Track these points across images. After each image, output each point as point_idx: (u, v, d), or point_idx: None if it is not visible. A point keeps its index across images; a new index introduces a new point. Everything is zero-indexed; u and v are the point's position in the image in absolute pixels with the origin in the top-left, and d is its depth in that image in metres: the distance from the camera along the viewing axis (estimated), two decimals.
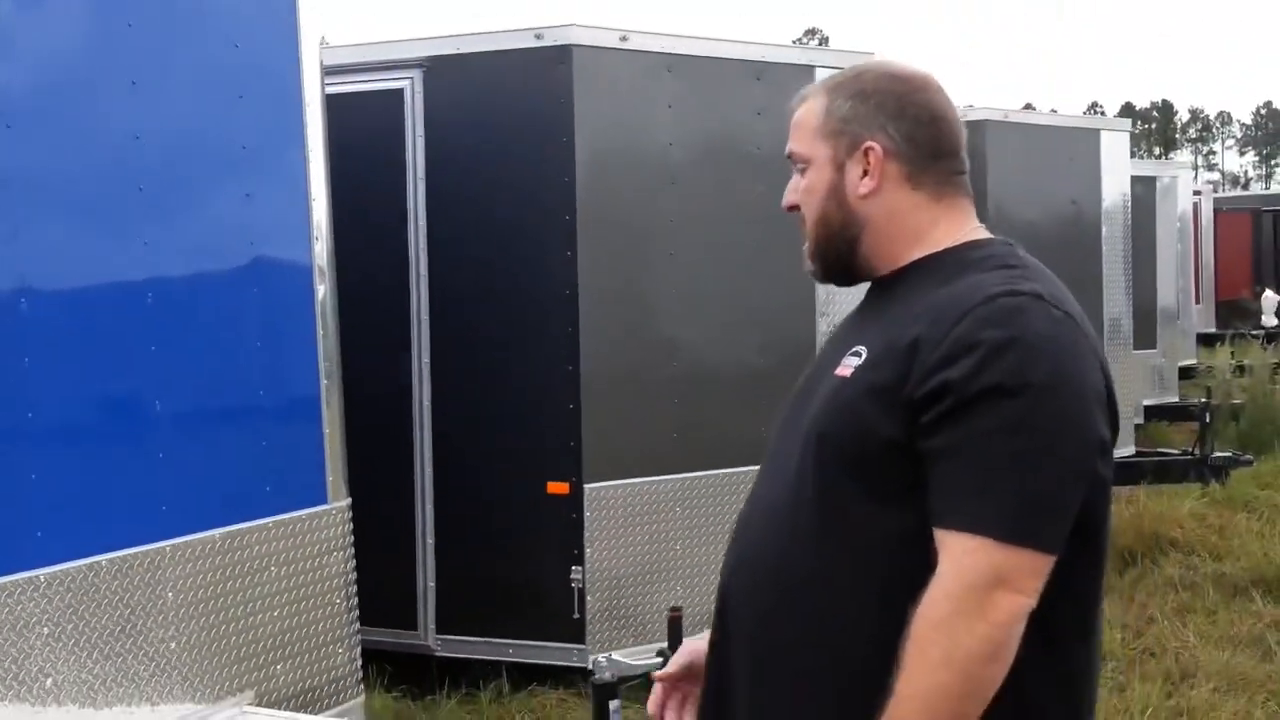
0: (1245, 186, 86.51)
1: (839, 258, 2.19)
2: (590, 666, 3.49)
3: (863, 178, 2.12)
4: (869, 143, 2.11)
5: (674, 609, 3.74)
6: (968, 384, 1.87)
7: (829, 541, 2.00)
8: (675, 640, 3.62)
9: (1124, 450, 10.48)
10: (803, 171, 2.20)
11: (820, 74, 6.42)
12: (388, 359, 6.26)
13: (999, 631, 1.84)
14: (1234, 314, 23.74)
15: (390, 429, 6.25)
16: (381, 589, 5.73)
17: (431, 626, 6.28)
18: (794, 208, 2.24)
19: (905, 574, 1.91)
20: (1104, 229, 10.13)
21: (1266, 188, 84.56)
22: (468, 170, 6.17)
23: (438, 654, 6.26)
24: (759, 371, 6.49)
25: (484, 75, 6.14)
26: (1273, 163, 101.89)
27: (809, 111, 2.19)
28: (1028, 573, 1.85)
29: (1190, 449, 10.38)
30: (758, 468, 6.46)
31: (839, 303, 6.65)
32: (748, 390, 6.45)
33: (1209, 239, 21.33)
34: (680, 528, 6.26)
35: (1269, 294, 23.43)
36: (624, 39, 6.04)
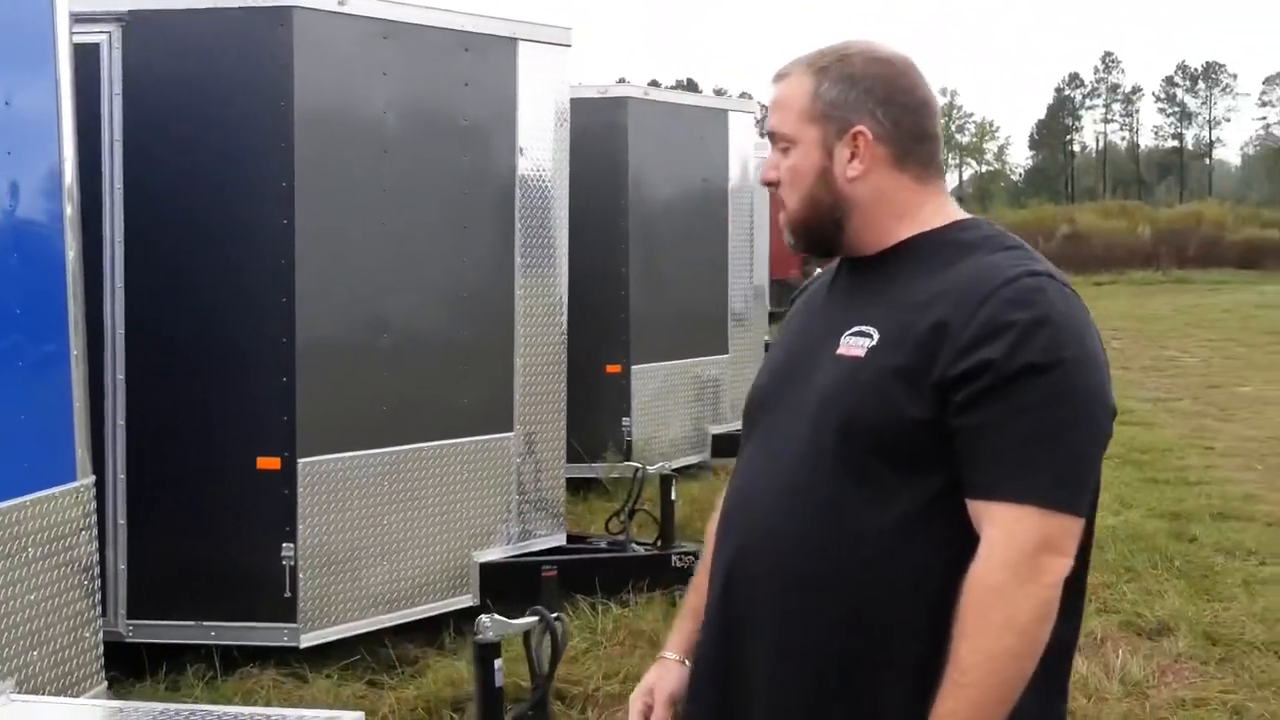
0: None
1: (824, 236, 2.33)
2: (476, 629, 3.83)
3: (851, 160, 2.26)
4: (859, 127, 2.25)
5: (547, 567, 4.10)
6: (1005, 363, 2.05)
7: (855, 517, 2.15)
8: (550, 599, 4.00)
9: None
10: (785, 150, 2.32)
11: (524, 47, 6.91)
12: None
13: (1050, 592, 2.05)
14: (786, 292, 25.71)
15: None
16: None
17: (122, 611, 6.30)
18: (773, 184, 2.35)
19: (931, 543, 2.12)
20: (730, 209, 11.09)
21: None
22: (172, 132, 6.20)
23: (129, 640, 6.30)
24: (464, 343, 6.89)
25: (194, 32, 6.19)
26: None
27: (793, 92, 2.30)
28: (1068, 535, 2.08)
29: None
30: (468, 439, 6.85)
31: (537, 273, 7.17)
32: (453, 362, 6.85)
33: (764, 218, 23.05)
34: (391, 501, 6.56)
35: (819, 273, 25.53)
36: (342, 3, 6.26)
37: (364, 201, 6.45)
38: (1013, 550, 2.04)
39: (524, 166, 7.09)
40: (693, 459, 10.80)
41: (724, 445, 11.09)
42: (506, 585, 7.02)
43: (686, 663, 2.52)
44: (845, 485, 2.16)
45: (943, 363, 2.09)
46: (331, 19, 6.24)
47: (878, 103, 2.26)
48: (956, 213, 2.32)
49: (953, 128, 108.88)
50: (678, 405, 10.66)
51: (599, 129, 9.53)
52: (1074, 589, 2.15)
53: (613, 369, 10.03)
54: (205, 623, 6.25)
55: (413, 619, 6.72)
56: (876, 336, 2.18)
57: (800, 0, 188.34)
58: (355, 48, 6.37)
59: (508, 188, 7.04)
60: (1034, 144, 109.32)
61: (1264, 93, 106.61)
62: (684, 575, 7.28)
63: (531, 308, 7.17)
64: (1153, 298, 35.64)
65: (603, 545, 7.55)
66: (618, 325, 10.02)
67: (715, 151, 10.93)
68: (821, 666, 2.18)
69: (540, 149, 7.16)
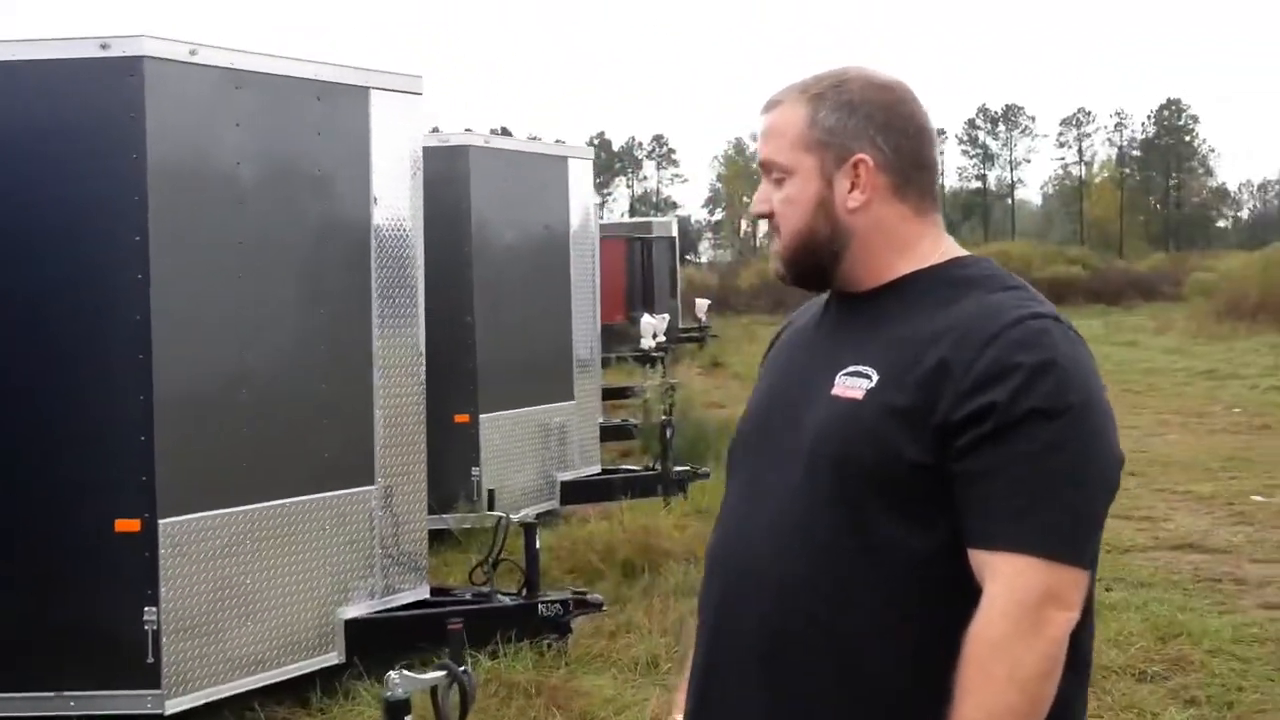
0: None
1: (819, 268, 2.25)
2: (385, 685, 3.81)
3: (851, 190, 2.19)
4: (860, 155, 2.18)
5: (453, 620, 4.07)
6: (1010, 407, 1.98)
7: (851, 562, 2.08)
8: (456, 653, 3.96)
9: (590, 469, 11.55)
10: (779, 182, 2.23)
11: (376, 95, 6.90)
12: None
13: (1055, 647, 1.98)
14: (612, 338, 25.93)
15: None
16: None
17: None
18: (765, 216, 2.27)
19: (930, 591, 2.05)
20: (572, 255, 11.15)
21: (601, 216, 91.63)
22: (19, 186, 6.05)
23: None
24: (323, 396, 6.81)
25: (39, 85, 6.03)
26: (605, 191, 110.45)
27: (788, 119, 2.22)
28: (1074, 588, 2.00)
29: (652, 465, 11.59)
30: (330, 493, 6.76)
31: (395, 323, 7.12)
32: (313, 415, 6.76)
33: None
34: (255, 560, 6.43)
35: (647, 318, 25.76)
36: (193, 52, 6.17)
37: (220, 254, 6.35)
38: (1015, 603, 1.97)
39: (379, 216, 7.06)
40: (543, 507, 10.79)
41: (573, 492, 11.12)
42: (372, 642, 6.96)
43: None
44: (841, 531, 2.08)
45: (945, 405, 2.02)
46: (183, 69, 6.14)
47: (878, 130, 2.18)
48: (954, 248, 2.26)
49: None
50: (526, 453, 10.66)
51: (440, 177, 9.48)
52: (1076, 641, 2.06)
53: (461, 418, 10.00)
54: (65, 693, 6.06)
55: (279, 680, 6.60)
56: (875, 377, 2.10)
57: (598, 49, 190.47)
58: (207, 98, 6.28)
59: (363, 237, 7.00)
60: None
61: (1061, 134, 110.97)
62: (552, 624, 7.28)
63: (390, 358, 7.12)
64: None
65: (467, 597, 7.50)
66: (465, 374, 9.99)
67: (556, 198, 10.99)
68: (811, 704, 2.11)
69: (395, 198, 7.14)
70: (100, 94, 6.05)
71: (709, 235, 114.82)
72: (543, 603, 7.28)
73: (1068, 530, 2.00)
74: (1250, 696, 6.54)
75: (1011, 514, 1.98)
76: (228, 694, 6.35)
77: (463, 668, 3.83)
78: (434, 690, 3.82)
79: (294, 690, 6.70)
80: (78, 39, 6.05)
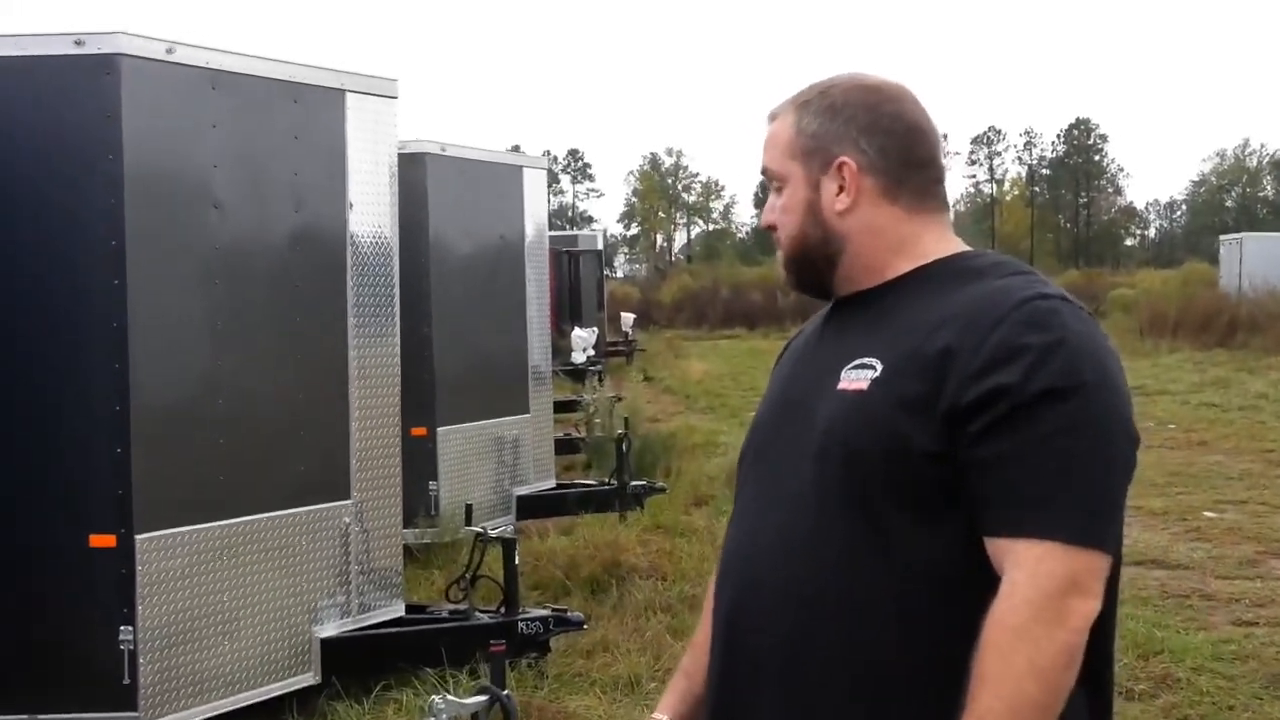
0: None
1: (817, 274, 2.27)
2: (429, 710, 3.66)
3: (839, 194, 2.20)
4: (841, 158, 2.19)
5: (495, 642, 3.92)
6: (1022, 389, 1.93)
7: (863, 558, 2.04)
8: (498, 676, 3.83)
9: (546, 484, 11.40)
10: (778, 190, 2.28)
11: (351, 99, 6.74)
12: None
13: (1077, 637, 1.93)
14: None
15: None
16: None
17: None
18: (772, 227, 2.30)
19: (945, 592, 2.01)
20: (528, 266, 11.01)
21: None
22: None
23: None
24: (299, 407, 6.64)
25: (10, 82, 5.83)
26: None
27: (779, 129, 2.27)
28: (1096, 575, 1.95)
29: (608, 479, 11.46)
30: (306, 508, 6.60)
31: (370, 333, 6.96)
32: (289, 427, 6.59)
33: None
34: (232, 577, 6.24)
35: (578, 332, 25.66)
36: (170, 50, 5.99)
37: (196, 260, 6.17)
38: (1037, 590, 1.91)
39: (355, 222, 6.90)
40: (500, 522, 10.63)
41: (529, 507, 10.97)
42: (349, 661, 6.79)
43: None
44: (853, 535, 2.04)
45: (952, 389, 1.98)
46: (160, 68, 5.95)
47: (861, 132, 2.19)
48: (960, 245, 2.24)
49: (679, 187, 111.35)
50: (483, 468, 10.50)
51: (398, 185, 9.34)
52: (1100, 631, 2.01)
53: (418, 432, 9.81)
54: (39, 715, 5.85)
55: (256, 700, 6.41)
56: (880, 367, 2.07)
57: (513, 61, 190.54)
58: (184, 98, 6.08)
59: (339, 244, 6.83)
60: (759, 203, 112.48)
61: (972, 152, 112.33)
62: (532, 642, 7.14)
63: (365, 369, 6.95)
64: None
65: (444, 614, 7.34)
66: (422, 387, 9.79)
67: (511, 208, 10.84)
68: (827, 703, 2.08)
69: (371, 204, 6.98)
70: (75, 93, 5.85)
71: (624, 250, 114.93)
72: (523, 620, 7.13)
73: (1089, 513, 1.95)
74: (1242, 715, 6.52)
75: (1031, 500, 1.93)
76: (205, 715, 6.16)
77: (505, 691, 3.71)
78: (474, 715, 3.70)
79: (270, 712, 6.51)
80: (52, 35, 5.84)
